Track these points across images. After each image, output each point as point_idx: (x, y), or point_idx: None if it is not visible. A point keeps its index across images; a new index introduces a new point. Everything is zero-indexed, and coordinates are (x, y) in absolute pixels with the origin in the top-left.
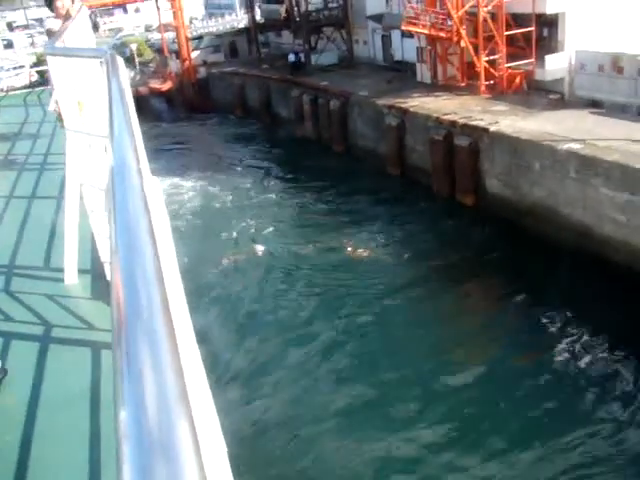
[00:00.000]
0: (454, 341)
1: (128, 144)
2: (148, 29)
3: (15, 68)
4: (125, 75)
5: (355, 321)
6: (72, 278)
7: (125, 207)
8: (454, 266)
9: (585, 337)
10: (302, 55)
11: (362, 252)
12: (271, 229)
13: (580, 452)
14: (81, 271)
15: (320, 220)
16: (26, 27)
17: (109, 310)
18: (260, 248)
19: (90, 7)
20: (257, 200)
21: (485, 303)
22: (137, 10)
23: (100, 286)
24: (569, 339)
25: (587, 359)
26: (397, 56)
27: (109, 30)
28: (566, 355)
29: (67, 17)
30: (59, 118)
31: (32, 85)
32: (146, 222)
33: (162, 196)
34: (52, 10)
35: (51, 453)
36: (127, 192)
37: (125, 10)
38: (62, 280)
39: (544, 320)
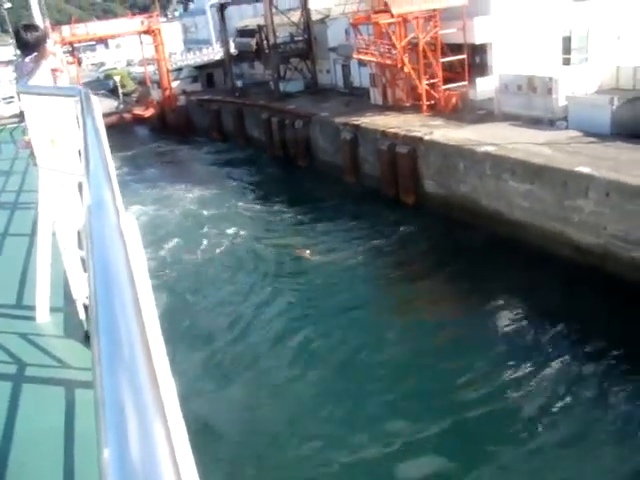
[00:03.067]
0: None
1: (104, 182)
2: (129, 63)
3: (5, 99)
4: (100, 113)
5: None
6: (44, 316)
7: (103, 245)
8: (395, 252)
9: (488, 290)
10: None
11: (317, 247)
12: (239, 232)
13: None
14: (53, 309)
15: (283, 224)
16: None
17: (81, 348)
18: (229, 245)
19: (75, 42)
20: (228, 207)
21: (421, 277)
22: (118, 46)
23: (72, 324)
24: (483, 295)
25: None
26: (355, 83)
27: (92, 64)
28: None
29: (42, 56)
30: (32, 156)
31: (21, 114)
32: (124, 260)
33: (138, 234)
34: (21, 48)
35: None
36: (104, 231)
37: (107, 46)
38: (34, 318)
39: (467, 283)
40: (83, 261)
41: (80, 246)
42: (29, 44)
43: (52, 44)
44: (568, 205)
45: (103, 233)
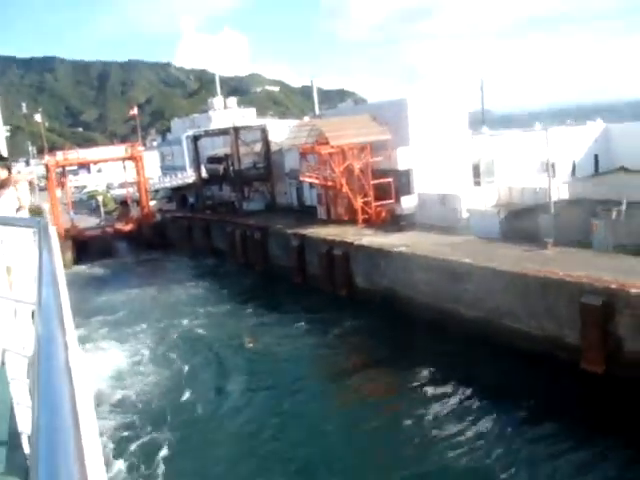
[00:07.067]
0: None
1: (55, 315)
2: (109, 186)
3: None
4: (57, 245)
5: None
6: None
7: (49, 382)
8: (329, 333)
9: (400, 354)
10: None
11: (265, 335)
12: (199, 324)
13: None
14: None
15: (238, 318)
16: None
17: None
18: (189, 334)
19: (61, 166)
20: (191, 306)
21: (348, 348)
22: (99, 170)
23: (14, 459)
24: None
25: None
26: (307, 202)
27: (74, 187)
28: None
29: (5, 184)
30: None
31: None
32: (68, 398)
33: (87, 369)
34: None
35: None
36: (52, 366)
37: (89, 170)
38: None
39: (383, 349)
40: (31, 393)
41: (29, 376)
42: None
43: (16, 172)
44: (457, 287)
45: (50, 369)
